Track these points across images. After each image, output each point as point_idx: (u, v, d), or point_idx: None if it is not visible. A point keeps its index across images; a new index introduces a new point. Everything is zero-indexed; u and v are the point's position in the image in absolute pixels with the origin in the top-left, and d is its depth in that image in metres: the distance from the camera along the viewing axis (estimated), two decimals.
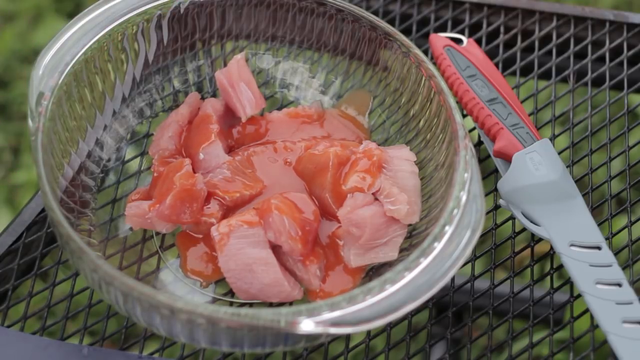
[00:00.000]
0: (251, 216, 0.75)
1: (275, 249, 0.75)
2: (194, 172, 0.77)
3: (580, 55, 0.93)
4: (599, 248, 0.77)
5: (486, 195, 0.77)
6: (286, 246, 0.74)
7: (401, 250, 0.75)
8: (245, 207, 0.78)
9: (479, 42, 0.93)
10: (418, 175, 0.78)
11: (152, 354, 0.74)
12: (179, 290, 0.76)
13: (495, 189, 0.81)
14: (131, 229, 0.78)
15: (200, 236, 0.77)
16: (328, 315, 0.64)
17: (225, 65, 0.84)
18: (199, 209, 0.76)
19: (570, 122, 0.88)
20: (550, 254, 0.79)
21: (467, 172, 0.71)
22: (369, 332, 0.76)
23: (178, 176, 0.76)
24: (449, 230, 0.69)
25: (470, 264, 0.79)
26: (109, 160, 0.81)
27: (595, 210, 0.81)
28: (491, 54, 0.91)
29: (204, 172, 0.78)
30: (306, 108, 0.83)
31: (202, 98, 0.84)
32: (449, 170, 0.74)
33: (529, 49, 0.93)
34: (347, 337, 0.75)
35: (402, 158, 0.78)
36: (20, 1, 1.75)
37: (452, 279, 0.78)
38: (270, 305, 0.75)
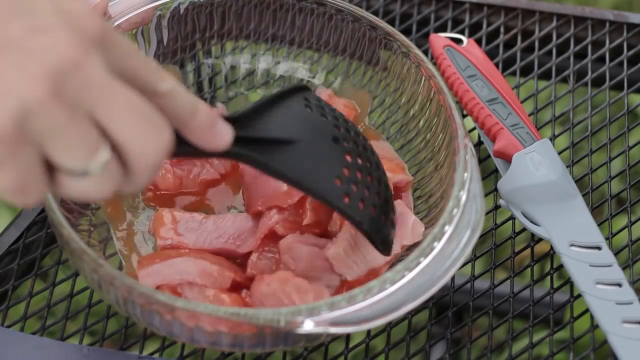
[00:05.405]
0: None
1: None
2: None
3: (580, 55, 0.93)
4: (599, 248, 0.77)
5: (486, 195, 0.77)
6: None
7: None
8: None
9: (479, 42, 0.93)
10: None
11: (152, 354, 0.74)
12: None
13: (495, 189, 0.81)
14: None
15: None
16: (328, 315, 0.64)
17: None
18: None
19: (570, 122, 0.88)
20: (550, 254, 0.79)
21: (466, 172, 0.71)
22: (369, 332, 0.76)
23: None
24: (448, 230, 0.69)
25: (470, 264, 0.79)
26: None
27: (595, 210, 0.81)
28: (491, 54, 0.91)
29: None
30: None
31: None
32: (448, 170, 0.74)
33: (529, 49, 0.93)
34: (347, 337, 0.75)
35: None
36: None
37: (452, 279, 0.78)
38: None
